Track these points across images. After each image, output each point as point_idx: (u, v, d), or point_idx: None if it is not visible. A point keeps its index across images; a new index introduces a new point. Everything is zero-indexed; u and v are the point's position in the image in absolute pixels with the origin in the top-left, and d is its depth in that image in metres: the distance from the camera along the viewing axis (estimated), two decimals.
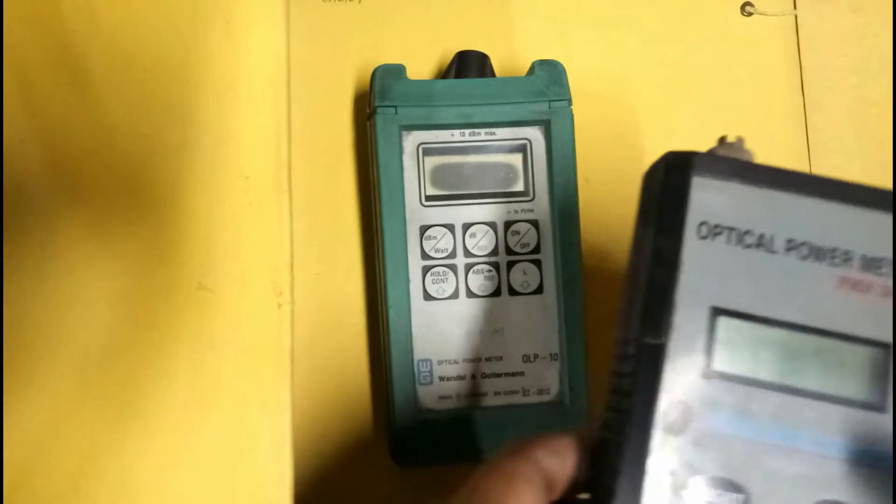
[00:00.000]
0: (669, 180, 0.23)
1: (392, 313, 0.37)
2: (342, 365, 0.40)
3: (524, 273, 0.38)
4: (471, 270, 0.37)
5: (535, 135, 0.38)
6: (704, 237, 0.23)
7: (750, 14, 0.44)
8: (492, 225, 0.38)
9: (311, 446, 0.40)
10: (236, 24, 0.43)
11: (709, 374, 0.22)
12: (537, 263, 0.38)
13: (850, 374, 0.22)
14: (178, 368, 0.40)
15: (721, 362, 0.22)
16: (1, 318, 0.39)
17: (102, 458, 0.39)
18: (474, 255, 0.38)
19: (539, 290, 0.38)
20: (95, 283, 0.40)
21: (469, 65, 0.39)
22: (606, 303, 0.42)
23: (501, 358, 0.37)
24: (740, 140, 0.24)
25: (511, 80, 0.38)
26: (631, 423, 0.22)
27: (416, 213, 0.37)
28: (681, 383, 0.22)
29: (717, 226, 0.23)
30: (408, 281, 0.37)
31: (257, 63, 0.42)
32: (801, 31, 0.44)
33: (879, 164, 0.43)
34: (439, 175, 0.38)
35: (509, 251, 0.38)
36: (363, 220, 0.41)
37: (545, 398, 0.37)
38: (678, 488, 0.22)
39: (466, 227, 0.38)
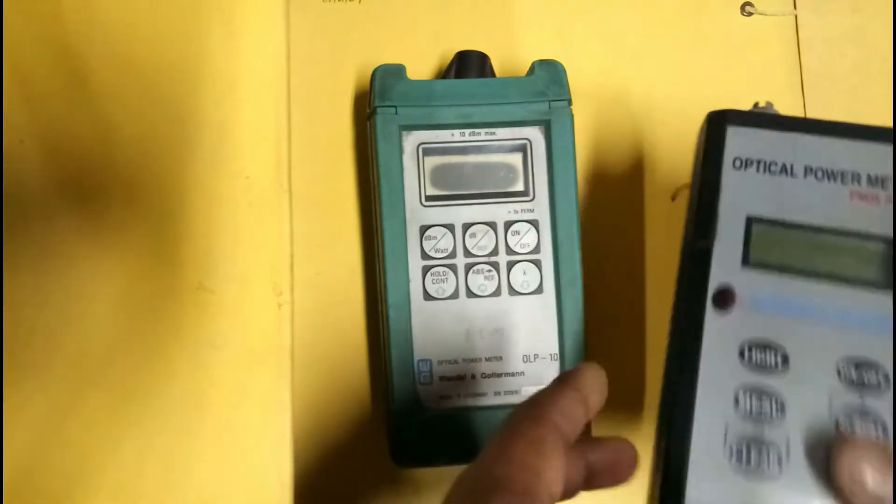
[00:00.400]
0: (710, 131, 0.30)
1: (392, 313, 0.37)
2: (342, 365, 0.40)
3: (524, 273, 0.38)
4: (471, 270, 0.37)
5: (535, 135, 0.38)
6: (738, 168, 0.29)
7: (750, 14, 0.44)
8: (492, 225, 0.38)
9: (311, 446, 0.40)
10: (236, 24, 0.43)
11: (748, 264, 0.28)
12: (537, 263, 0.38)
13: (863, 261, 0.28)
14: (178, 368, 0.40)
15: (756, 256, 0.28)
16: (1, 317, 0.39)
17: (102, 456, 0.39)
18: (474, 255, 0.38)
19: (539, 290, 0.38)
20: (96, 283, 0.40)
21: (469, 65, 0.39)
22: (607, 303, 0.42)
23: (501, 358, 0.37)
24: (769, 104, 0.31)
25: (511, 80, 0.38)
26: (688, 302, 0.28)
27: (416, 213, 0.37)
28: (725, 272, 0.28)
29: (748, 159, 0.29)
30: (408, 281, 0.37)
31: (257, 63, 0.42)
32: (801, 31, 0.44)
33: None
34: (439, 175, 0.38)
35: (509, 251, 0.38)
36: (363, 220, 0.41)
37: None
38: (728, 350, 0.27)
39: (466, 227, 0.38)
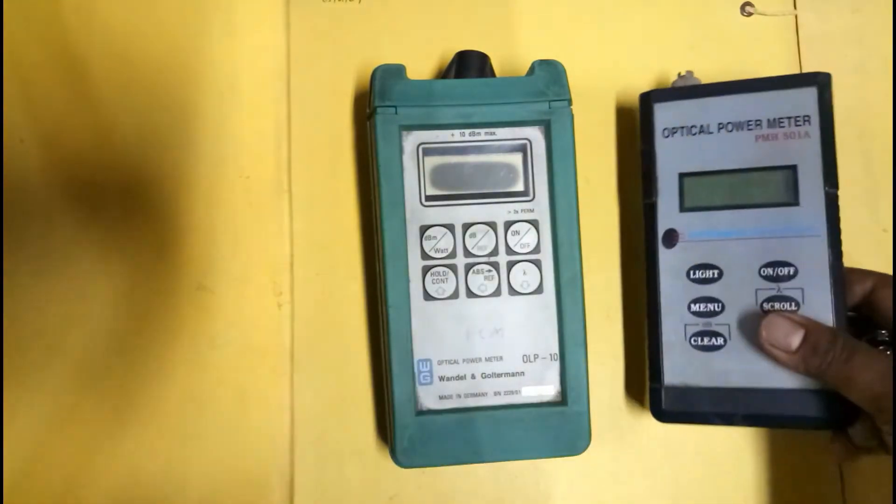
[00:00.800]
0: (642, 109, 0.39)
1: (392, 313, 0.37)
2: (342, 365, 0.40)
3: (524, 273, 0.38)
4: (471, 270, 0.37)
5: (535, 135, 0.38)
6: (667, 136, 0.38)
7: (750, 14, 0.44)
8: (492, 225, 0.38)
9: (311, 446, 0.40)
10: (236, 24, 0.43)
11: (683, 209, 0.37)
12: (537, 263, 0.38)
13: (772, 188, 0.36)
14: (178, 368, 0.40)
15: (689, 202, 0.37)
16: (1, 318, 0.39)
17: (102, 456, 0.39)
18: (474, 255, 0.38)
19: (539, 290, 0.38)
20: (95, 283, 0.40)
21: (469, 65, 0.39)
22: (607, 303, 0.42)
23: (501, 358, 0.37)
24: (689, 73, 0.39)
25: (511, 80, 0.38)
26: (646, 245, 0.38)
27: (416, 213, 0.37)
28: (668, 219, 0.37)
29: (673, 128, 0.38)
30: (408, 281, 0.37)
31: (257, 63, 0.42)
32: (801, 31, 0.44)
33: (879, 163, 0.43)
34: (439, 175, 0.38)
35: (509, 251, 0.38)
36: (363, 220, 0.41)
37: (545, 398, 0.37)
38: (678, 274, 0.37)
39: (466, 227, 0.38)
